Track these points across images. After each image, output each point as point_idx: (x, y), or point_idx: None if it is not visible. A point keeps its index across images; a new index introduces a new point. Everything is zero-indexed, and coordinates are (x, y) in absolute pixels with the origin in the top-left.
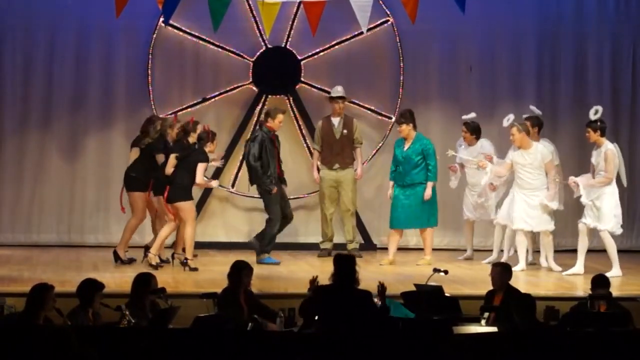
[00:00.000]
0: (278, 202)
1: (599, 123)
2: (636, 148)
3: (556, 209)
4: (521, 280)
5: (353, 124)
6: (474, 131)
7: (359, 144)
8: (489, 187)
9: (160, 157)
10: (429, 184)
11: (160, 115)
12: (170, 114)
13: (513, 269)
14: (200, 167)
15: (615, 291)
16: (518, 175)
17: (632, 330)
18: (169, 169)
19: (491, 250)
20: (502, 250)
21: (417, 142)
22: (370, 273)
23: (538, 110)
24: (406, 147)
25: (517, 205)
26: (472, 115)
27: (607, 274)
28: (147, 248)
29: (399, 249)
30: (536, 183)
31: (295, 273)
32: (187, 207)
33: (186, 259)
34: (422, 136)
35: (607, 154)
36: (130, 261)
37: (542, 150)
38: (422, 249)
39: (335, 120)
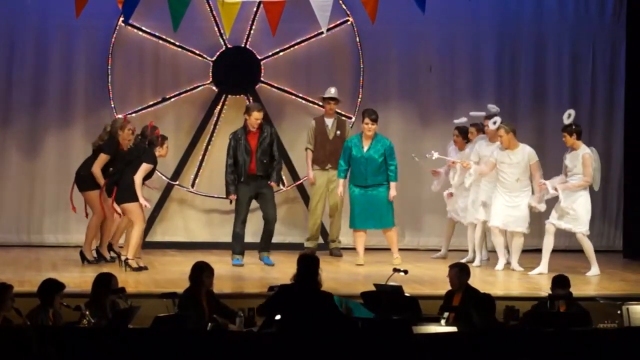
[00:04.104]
0: (243, 202)
1: (573, 126)
2: (595, 146)
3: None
4: (481, 280)
5: (346, 126)
6: (466, 135)
7: None
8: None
9: (104, 157)
10: (393, 185)
11: (119, 115)
12: (130, 114)
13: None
14: (143, 167)
15: (575, 291)
16: (502, 174)
17: (590, 330)
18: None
19: (465, 251)
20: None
21: (378, 143)
22: (331, 273)
23: (496, 108)
24: (366, 147)
25: (496, 204)
26: (464, 119)
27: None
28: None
29: (352, 248)
30: (520, 184)
31: (255, 273)
32: (133, 209)
33: (127, 258)
34: (382, 136)
35: (585, 157)
36: (98, 261)
37: (529, 152)
38: (385, 250)
39: (329, 121)
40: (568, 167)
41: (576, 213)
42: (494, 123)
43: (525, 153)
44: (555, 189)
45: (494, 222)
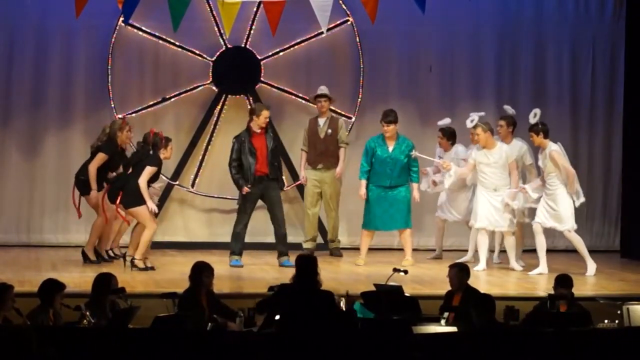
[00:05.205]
0: (249, 204)
1: (540, 125)
2: (595, 147)
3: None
4: (482, 280)
5: (338, 124)
6: (450, 137)
7: (344, 144)
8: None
9: (102, 157)
10: (415, 186)
11: (119, 115)
12: (130, 114)
13: (475, 268)
14: (148, 170)
15: (575, 291)
16: (482, 175)
17: (590, 330)
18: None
19: (465, 251)
20: (491, 251)
21: (402, 143)
22: (331, 273)
23: (512, 110)
24: (391, 147)
25: (481, 205)
26: (447, 120)
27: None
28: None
29: (355, 248)
30: (500, 183)
31: (255, 273)
32: (141, 212)
33: (133, 257)
34: (404, 137)
35: (552, 154)
36: (100, 261)
37: (506, 150)
38: (385, 250)
39: (321, 120)
40: (542, 168)
41: (558, 212)
42: (472, 121)
43: (502, 151)
44: (525, 190)
45: (481, 224)
